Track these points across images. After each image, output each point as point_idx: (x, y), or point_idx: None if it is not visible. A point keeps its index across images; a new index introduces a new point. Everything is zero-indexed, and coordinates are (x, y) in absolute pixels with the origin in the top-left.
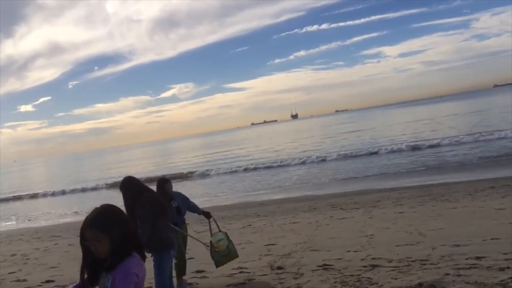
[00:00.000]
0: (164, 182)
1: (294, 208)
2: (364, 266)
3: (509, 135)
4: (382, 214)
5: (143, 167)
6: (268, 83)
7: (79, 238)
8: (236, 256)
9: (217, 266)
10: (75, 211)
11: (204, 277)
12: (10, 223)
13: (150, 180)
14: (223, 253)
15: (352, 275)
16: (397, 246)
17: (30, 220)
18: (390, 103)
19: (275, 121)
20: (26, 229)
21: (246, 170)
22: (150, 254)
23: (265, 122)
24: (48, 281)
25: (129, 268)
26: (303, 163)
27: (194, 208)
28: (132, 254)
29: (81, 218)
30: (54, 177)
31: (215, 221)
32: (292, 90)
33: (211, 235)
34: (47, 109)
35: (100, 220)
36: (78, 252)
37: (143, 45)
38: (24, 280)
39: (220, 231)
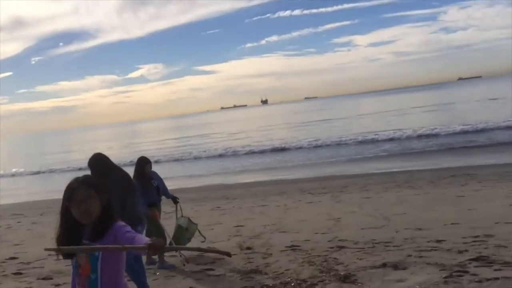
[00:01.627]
0: (145, 162)
1: (263, 192)
2: (331, 247)
3: (471, 127)
4: (349, 199)
5: (111, 149)
6: (238, 68)
7: (61, 202)
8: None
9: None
10: (36, 191)
11: (173, 256)
12: None
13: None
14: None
15: (319, 256)
16: (362, 229)
17: None
18: (359, 92)
19: (245, 105)
20: None
21: (215, 155)
22: None
23: (235, 106)
24: (12, 258)
25: (124, 225)
26: (273, 149)
27: (164, 191)
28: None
29: (44, 198)
30: (15, 157)
31: (180, 207)
32: (263, 75)
33: (176, 219)
34: (8, 85)
35: (94, 181)
36: (42, 230)
37: (110, 23)
38: None
39: (182, 216)
